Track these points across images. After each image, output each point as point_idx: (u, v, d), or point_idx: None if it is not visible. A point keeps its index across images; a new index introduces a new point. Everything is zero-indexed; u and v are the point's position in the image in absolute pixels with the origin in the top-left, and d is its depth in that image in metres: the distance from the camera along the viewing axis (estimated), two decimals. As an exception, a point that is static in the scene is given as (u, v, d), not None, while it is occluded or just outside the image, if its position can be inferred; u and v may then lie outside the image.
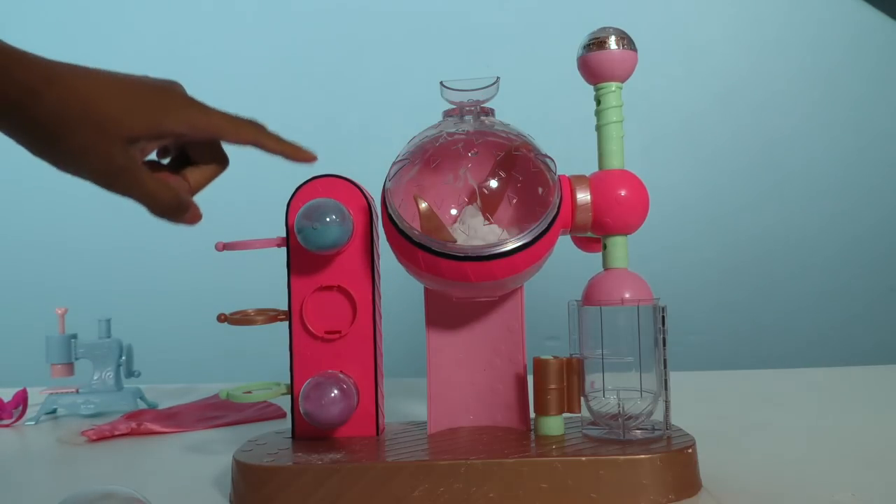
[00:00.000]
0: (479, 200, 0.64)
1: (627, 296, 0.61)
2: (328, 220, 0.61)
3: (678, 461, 0.57)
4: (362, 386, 0.65)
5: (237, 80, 1.51)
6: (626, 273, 0.63)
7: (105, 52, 1.56)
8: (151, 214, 0.52)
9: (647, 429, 0.62)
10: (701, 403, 0.93)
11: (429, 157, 0.63)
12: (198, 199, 0.55)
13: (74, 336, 1.00)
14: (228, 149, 0.56)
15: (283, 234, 0.66)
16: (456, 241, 0.60)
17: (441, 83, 0.62)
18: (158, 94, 0.50)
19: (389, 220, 0.61)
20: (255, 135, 0.54)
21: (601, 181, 0.64)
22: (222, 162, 0.56)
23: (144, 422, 0.88)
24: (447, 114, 0.65)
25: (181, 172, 0.55)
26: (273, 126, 0.55)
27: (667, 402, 0.62)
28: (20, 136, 0.47)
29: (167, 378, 1.20)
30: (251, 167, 1.46)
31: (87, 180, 0.49)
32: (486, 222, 0.63)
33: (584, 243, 0.71)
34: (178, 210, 0.52)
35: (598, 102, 0.65)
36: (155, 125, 0.49)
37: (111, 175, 0.48)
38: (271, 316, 0.66)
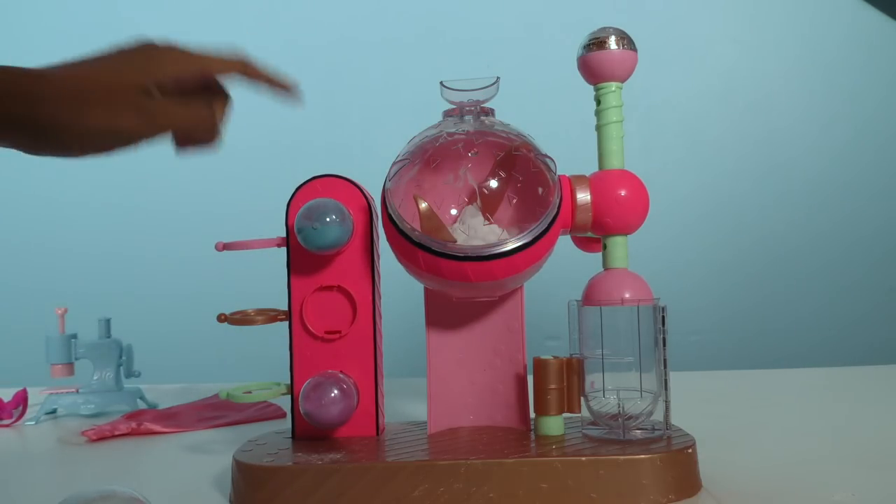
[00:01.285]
0: (479, 200, 0.64)
1: (627, 296, 0.61)
2: (328, 220, 0.61)
3: (678, 461, 0.57)
4: (362, 386, 0.65)
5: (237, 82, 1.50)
6: (626, 273, 0.63)
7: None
8: (197, 141, 0.55)
9: (647, 429, 0.62)
10: (701, 403, 0.93)
11: (429, 157, 0.63)
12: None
13: (74, 336, 1.00)
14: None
15: (283, 234, 0.66)
16: (456, 241, 0.60)
17: (441, 83, 0.62)
18: (141, 50, 0.53)
19: (389, 220, 0.61)
20: (240, 65, 0.56)
21: (601, 181, 0.64)
22: (222, 93, 0.57)
23: (144, 422, 0.88)
24: (447, 114, 0.65)
25: None
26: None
27: (667, 402, 0.62)
28: (51, 149, 0.51)
29: (167, 378, 1.20)
30: (251, 167, 1.46)
31: (134, 142, 0.52)
32: (486, 222, 0.63)
33: (584, 243, 0.71)
34: (216, 127, 0.55)
35: (598, 102, 0.65)
36: (151, 73, 0.52)
37: (150, 122, 0.51)
38: (271, 316, 0.66)
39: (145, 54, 0.53)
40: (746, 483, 0.60)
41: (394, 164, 0.62)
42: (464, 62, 1.46)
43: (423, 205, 0.61)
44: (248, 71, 0.57)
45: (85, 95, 0.50)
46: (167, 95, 0.52)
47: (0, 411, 0.96)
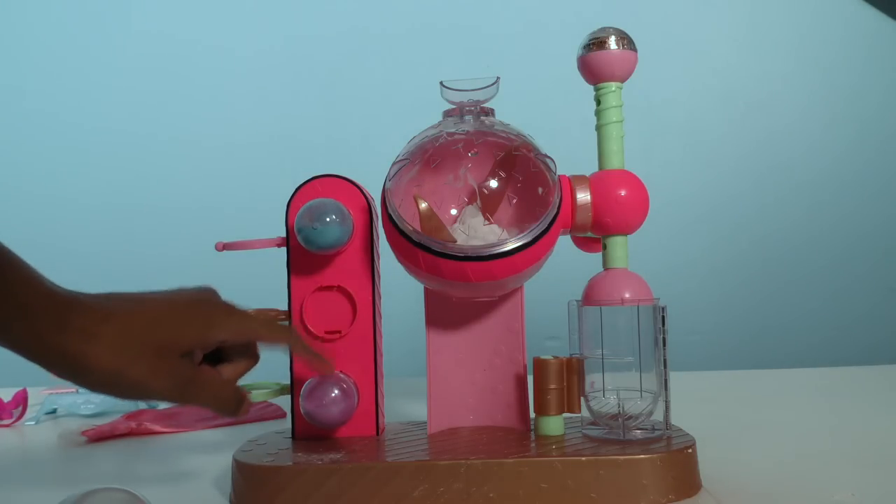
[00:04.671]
0: (479, 200, 0.64)
1: (627, 296, 0.61)
2: (328, 220, 0.61)
3: (678, 461, 0.57)
4: (362, 386, 0.65)
5: (237, 80, 1.51)
6: (626, 273, 0.63)
7: (105, 51, 1.57)
8: (216, 413, 0.54)
9: (647, 429, 0.62)
10: (701, 403, 0.93)
11: (429, 157, 0.63)
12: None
13: (74, 336, 0.99)
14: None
15: (283, 234, 0.66)
16: (456, 241, 0.60)
17: (441, 83, 0.62)
18: (202, 308, 0.53)
19: (389, 220, 0.61)
20: (287, 338, 0.58)
21: (601, 181, 0.64)
22: (254, 357, 0.57)
23: (144, 422, 0.88)
24: (447, 114, 0.64)
25: (216, 368, 0.55)
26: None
27: (667, 402, 0.62)
28: (78, 379, 0.47)
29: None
30: (251, 167, 1.46)
31: (156, 400, 0.52)
32: (486, 222, 0.63)
33: (584, 243, 0.71)
34: (240, 403, 0.54)
35: (598, 102, 0.65)
36: (204, 337, 0.51)
37: (179, 388, 0.49)
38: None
39: (204, 314, 0.52)
40: (746, 483, 0.60)
41: (394, 164, 0.62)
42: (464, 62, 1.46)
43: (423, 205, 0.61)
44: (293, 348, 0.58)
45: (132, 349, 0.47)
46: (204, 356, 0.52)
47: (0, 411, 0.96)
